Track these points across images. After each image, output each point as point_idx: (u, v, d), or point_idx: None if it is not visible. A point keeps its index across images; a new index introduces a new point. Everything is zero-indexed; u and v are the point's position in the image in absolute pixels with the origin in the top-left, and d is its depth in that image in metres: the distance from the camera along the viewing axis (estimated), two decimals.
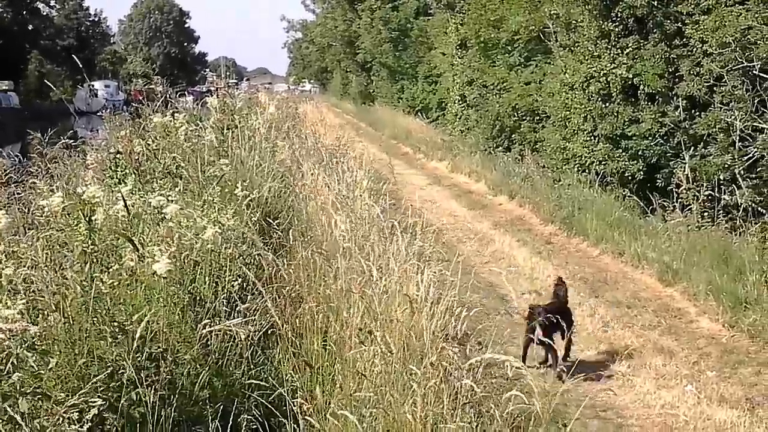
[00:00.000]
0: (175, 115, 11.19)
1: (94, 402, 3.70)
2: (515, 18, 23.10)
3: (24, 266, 5.29)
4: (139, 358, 4.66)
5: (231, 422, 4.61)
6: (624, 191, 16.64)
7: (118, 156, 9.02)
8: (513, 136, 24.22)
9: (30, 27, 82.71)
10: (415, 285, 5.91)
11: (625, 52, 17.77)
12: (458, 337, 5.56)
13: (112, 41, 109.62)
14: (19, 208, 7.49)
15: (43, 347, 3.98)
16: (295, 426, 4.72)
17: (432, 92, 38.78)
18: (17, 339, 3.33)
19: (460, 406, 4.54)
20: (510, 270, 12.06)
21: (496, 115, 24.55)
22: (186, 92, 32.43)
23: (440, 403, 4.59)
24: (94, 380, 4.25)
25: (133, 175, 7.95)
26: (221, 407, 4.86)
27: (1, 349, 2.88)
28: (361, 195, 9.99)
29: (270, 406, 4.86)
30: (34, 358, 3.57)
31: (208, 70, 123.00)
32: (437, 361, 4.90)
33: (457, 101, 29.92)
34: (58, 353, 4.50)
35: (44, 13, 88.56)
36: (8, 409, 3.11)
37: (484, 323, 7.21)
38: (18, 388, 3.26)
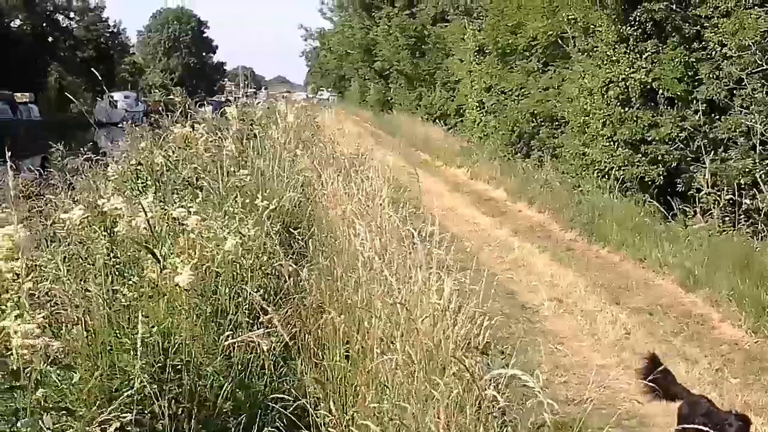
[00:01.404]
0: (195, 125, 11.23)
1: (120, 416, 3.70)
2: (533, 23, 23.08)
3: (46, 280, 5.31)
4: (161, 371, 4.67)
5: None
6: (644, 196, 16.55)
7: (139, 168, 9.06)
8: (532, 142, 24.17)
9: (49, 39, 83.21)
10: (437, 294, 5.89)
11: (643, 56, 17.68)
12: (480, 346, 5.53)
13: (131, 52, 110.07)
14: (40, 221, 7.53)
15: (66, 362, 3.99)
16: None
17: (450, 99, 38.75)
18: (40, 354, 3.34)
19: (484, 417, 4.51)
20: (530, 277, 12.03)
21: (514, 121, 24.51)
22: (205, 102, 32.57)
23: (463, 414, 4.57)
24: (117, 393, 4.27)
25: (154, 187, 7.98)
26: (244, 419, 4.85)
27: (24, 365, 2.88)
28: (381, 203, 10.00)
29: (293, 417, 4.85)
30: (57, 373, 3.59)
31: (226, 79, 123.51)
32: (459, 371, 4.87)
33: (475, 108, 29.88)
34: (80, 367, 4.51)
35: (64, 25, 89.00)
36: (33, 425, 3.13)
37: (505, 331, 7.20)
38: (42, 403, 3.27)
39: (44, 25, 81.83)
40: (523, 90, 24.48)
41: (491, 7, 27.62)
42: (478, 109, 29.42)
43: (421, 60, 45.60)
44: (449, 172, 26.10)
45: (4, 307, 4.55)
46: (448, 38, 38.33)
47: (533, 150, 24.01)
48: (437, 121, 39.05)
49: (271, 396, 5.13)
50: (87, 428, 3.62)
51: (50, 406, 3.44)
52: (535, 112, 23.18)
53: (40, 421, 3.13)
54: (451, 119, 37.80)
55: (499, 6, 26.30)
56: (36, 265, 5.43)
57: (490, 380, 4.63)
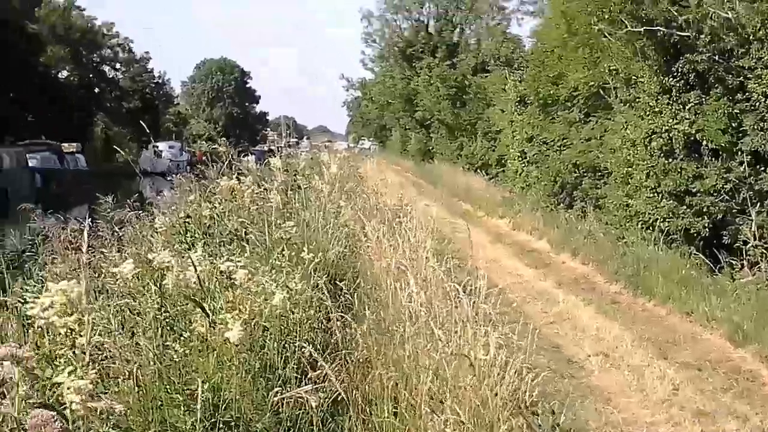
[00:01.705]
0: (241, 177, 11.34)
1: None
2: (574, 74, 23.13)
3: (97, 334, 5.37)
4: (212, 427, 4.69)
5: None
6: (690, 249, 16.40)
7: (187, 220, 9.15)
8: (574, 192, 24.10)
9: (96, 89, 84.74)
10: (483, 349, 5.87)
11: (687, 108, 17.61)
12: (528, 403, 5.49)
13: (175, 102, 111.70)
14: (89, 274, 7.61)
15: (121, 420, 4.02)
16: None
17: (491, 149, 38.81)
18: (102, 417, 3.37)
19: None
20: (575, 330, 11.94)
21: (556, 171, 24.48)
22: (248, 152, 32.96)
23: None
24: None
25: (203, 240, 8.05)
26: None
27: (87, 428, 2.91)
28: (425, 256, 10.00)
29: None
30: None
31: (269, 128, 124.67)
32: (507, 429, 4.85)
33: (517, 158, 29.89)
34: (132, 423, 4.54)
35: (110, 76, 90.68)
36: None
37: (552, 387, 7.14)
38: None
39: (91, 76, 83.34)
40: (565, 140, 24.47)
41: (532, 58, 27.75)
42: (520, 159, 29.43)
43: (461, 110, 45.78)
44: (491, 222, 26.05)
45: (57, 363, 4.63)
46: (489, 88, 38.51)
47: (576, 201, 23.92)
48: (478, 170, 39.11)
49: None
50: None
51: None
52: (578, 162, 23.14)
53: None
54: (492, 169, 37.82)
55: (540, 57, 26.41)
56: (89, 320, 5.49)
57: None
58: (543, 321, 12.37)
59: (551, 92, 25.12)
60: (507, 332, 6.42)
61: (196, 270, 6.17)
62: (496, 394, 5.33)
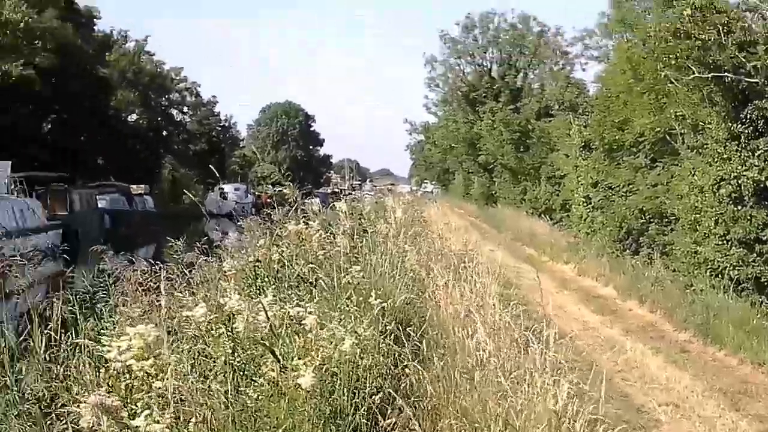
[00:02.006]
0: (308, 222, 11.44)
1: None
2: (640, 120, 23.00)
3: (171, 377, 5.44)
4: None
5: None
6: (761, 298, 16.10)
7: (257, 264, 9.24)
8: (641, 238, 23.85)
9: (164, 132, 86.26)
10: (553, 398, 5.82)
11: (756, 154, 17.39)
12: None
13: (241, 145, 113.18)
14: (159, 316, 7.70)
15: None
16: None
17: (555, 193, 38.66)
18: None
19: None
20: (644, 379, 11.76)
21: (622, 217, 24.28)
22: (312, 194, 33.15)
23: None
24: None
25: (273, 286, 8.12)
26: None
27: None
28: (492, 302, 9.97)
29: None
30: None
31: (332, 171, 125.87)
32: None
33: (581, 203, 29.70)
34: None
35: (178, 119, 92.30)
36: None
37: None
38: None
39: (159, 119, 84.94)
40: (630, 186, 24.29)
41: (597, 103, 27.67)
42: (585, 204, 29.24)
43: (525, 154, 45.73)
44: (556, 267, 25.85)
45: (134, 406, 4.70)
46: (553, 133, 38.44)
47: (642, 247, 23.67)
48: (542, 215, 38.92)
49: None
50: None
51: None
52: (644, 208, 22.94)
53: None
54: (556, 214, 37.62)
55: (605, 102, 26.33)
56: (164, 364, 5.57)
57: None
58: (611, 369, 12.21)
59: (617, 137, 25.00)
60: (576, 381, 6.37)
61: (267, 316, 6.23)
62: None
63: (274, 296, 7.59)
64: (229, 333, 6.14)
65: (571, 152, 31.46)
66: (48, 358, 6.66)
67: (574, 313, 17.73)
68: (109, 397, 3.46)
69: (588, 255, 25.12)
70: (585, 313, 17.92)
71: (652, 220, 22.90)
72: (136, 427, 4.34)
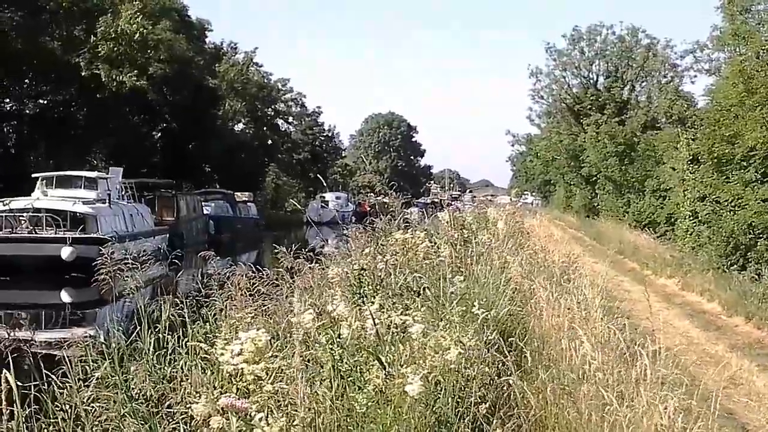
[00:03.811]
0: (414, 232, 11.55)
1: None
2: (751, 133, 22.52)
3: (281, 381, 5.58)
4: None
5: None
6: None
7: (362, 272, 9.37)
8: (748, 254, 23.31)
9: (269, 141, 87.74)
10: (661, 413, 5.79)
11: None
12: None
13: (343, 155, 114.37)
14: (265, 320, 7.88)
15: None
16: None
17: (660, 207, 38.00)
18: None
19: None
20: (750, 397, 11.52)
21: (730, 232, 23.78)
22: (412, 204, 33.25)
23: None
24: None
25: (380, 293, 8.23)
26: None
27: None
28: (596, 315, 9.93)
29: None
30: None
31: (432, 181, 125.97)
32: None
33: (687, 217, 29.16)
34: None
35: (282, 129, 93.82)
36: None
37: None
38: None
39: (265, 129, 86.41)
40: (739, 200, 23.76)
41: (706, 116, 27.15)
42: (691, 218, 28.70)
43: (629, 167, 45.09)
44: (659, 282, 25.40)
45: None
46: (660, 146, 37.83)
47: (750, 262, 23.13)
48: (646, 228, 38.31)
49: None
50: None
51: None
52: (753, 223, 22.43)
53: None
54: (660, 227, 36.98)
55: (715, 115, 25.82)
56: (274, 368, 5.73)
57: None
58: (715, 385, 11.99)
59: (726, 151, 24.51)
60: (683, 396, 6.32)
61: (374, 322, 6.35)
62: None
63: (380, 304, 7.71)
64: (336, 338, 6.27)
65: (678, 166, 30.93)
66: (156, 360, 6.88)
67: (678, 327, 17.41)
68: (238, 398, 3.60)
69: (693, 270, 24.65)
70: (689, 328, 17.59)
71: (761, 235, 22.37)
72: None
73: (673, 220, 33.82)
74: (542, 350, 8.72)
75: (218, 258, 10.68)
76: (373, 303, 7.09)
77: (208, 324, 7.99)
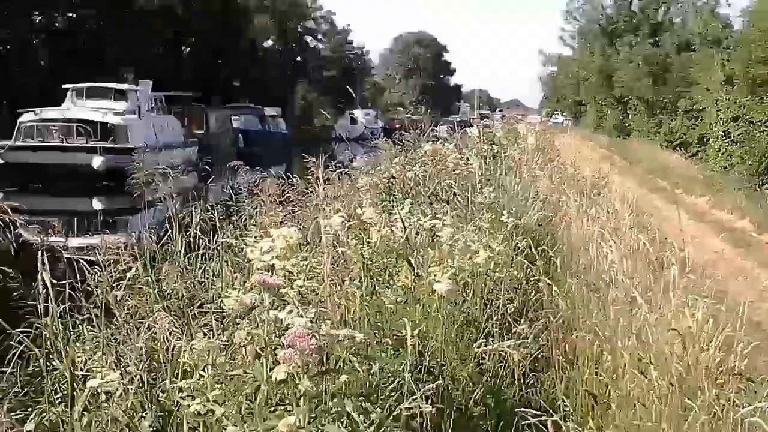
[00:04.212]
0: (445, 144, 11.54)
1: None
2: None
3: (311, 279, 5.63)
4: (417, 372, 4.85)
5: None
6: None
7: (392, 180, 9.38)
8: None
9: (298, 58, 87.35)
10: (689, 319, 5.79)
11: None
12: (735, 374, 5.39)
13: (372, 73, 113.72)
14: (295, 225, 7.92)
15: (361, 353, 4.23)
16: None
17: (692, 127, 37.58)
18: (344, 345, 3.56)
19: None
20: None
21: (763, 151, 23.57)
22: (441, 122, 33.16)
23: None
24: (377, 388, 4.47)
25: (409, 199, 8.25)
26: (494, 424, 4.96)
27: (332, 352, 3.12)
28: (625, 227, 9.92)
29: (542, 427, 4.89)
30: (358, 362, 3.86)
31: (462, 101, 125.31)
32: (714, 398, 4.79)
33: (720, 137, 28.86)
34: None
35: (312, 46, 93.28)
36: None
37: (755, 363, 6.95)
38: (344, 389, 3.52)
39: (294, 45, 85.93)
40: None
41: (742, 38, 26.69)
42: (723, 138, 28.40)
43: (662, 88, 44.50)
44: (689, 200, 25.26)
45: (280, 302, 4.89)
46: (693, 67, 37.23)
47: None
48: (677, 148, 37.97)
49: (520, 408, 5.18)
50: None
51: (352, 392, 3.72)
52: None
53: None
54: (692, 147, 36.63)
55: (751, 37, 25.37)
56: (306, 265, 5.76)
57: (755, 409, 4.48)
58: (743, 298, 11.98)
59: (761, 72, 24.13)
60: (712, 304, 6.32)
61: (404, 226, 6.37)
62: (700, 363, 5.26)
63: (410, 209, 7.72)
64: (366, 239, 6.31)
65: (712, 86, 30.52)
66: (188, 262, 6.95)
67: (707, 244, 17.35)
68: (270, 276, 3.62)
69: (724, 189, 24.53)
70: (718, 244, 17.51)
71: None
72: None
73: (705, 140, 33.49)
74: (571, 259, 8.75)
75: (247, 168, 10.71)
76: (403, 207, 7.11)
77: (237, 230, 8.03)
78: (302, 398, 2.33)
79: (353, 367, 3.76)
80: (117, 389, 4.10)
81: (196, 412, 3.52)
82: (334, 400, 3.21)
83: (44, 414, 4.31)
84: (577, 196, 11.87)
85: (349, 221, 6.97)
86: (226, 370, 3.66)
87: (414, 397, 4.13)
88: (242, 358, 3.68)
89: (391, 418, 4.11)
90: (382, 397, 4.47)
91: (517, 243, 8.00)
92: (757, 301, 12.07)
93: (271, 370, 3.05)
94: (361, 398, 3.68)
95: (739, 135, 26.52)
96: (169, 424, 4.18)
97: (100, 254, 6.32)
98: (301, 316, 4.75)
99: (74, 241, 7.77)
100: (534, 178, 13.63)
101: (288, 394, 2.34)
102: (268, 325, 2.97)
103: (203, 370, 3.77)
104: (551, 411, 4.84)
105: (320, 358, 2.45)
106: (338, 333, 2.84)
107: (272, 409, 3.22)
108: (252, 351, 2.90)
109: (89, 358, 4.69)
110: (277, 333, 2.86)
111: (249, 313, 3.09)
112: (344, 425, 3.25)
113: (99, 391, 4.09)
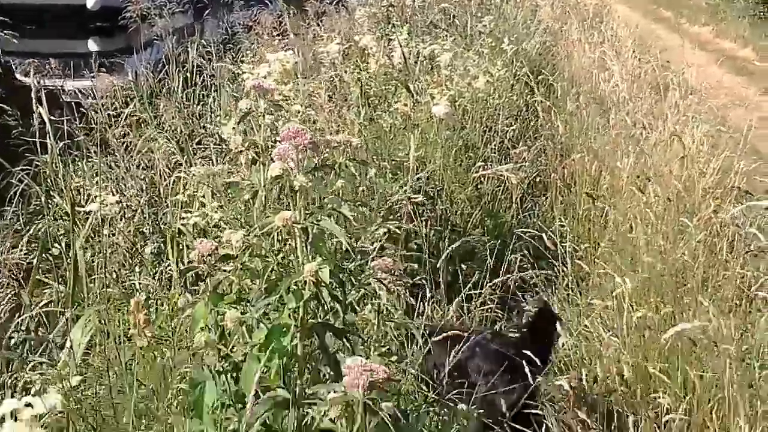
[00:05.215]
0: None
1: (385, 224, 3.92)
2: None
3: (307, 105, 5.57)
4: (417, 194, 4.87)
5: (502, 261, 4.70)
6: None
7: (390, 9, 9.21)
8: None
9: None
10: (688, 139, 5.77)
11: None
12: (733, 192, 5.39)
13: None
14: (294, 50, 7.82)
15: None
16: (564, 268, 4.80)
17: None
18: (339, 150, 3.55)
19: (741, 255, 4.37)
20: None
21: None
22: None
23: (715, 252, 4.50)
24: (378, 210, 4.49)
25: (407, 26, 8.11)
26: (491, 245, 5.00)
27: (329, 156, 3.10)
28: (627, 53, 9.80)
29: (540, 247, 4.95)
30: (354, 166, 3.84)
31: None
32: (712, 214, 4.80)
33: None
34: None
35: None
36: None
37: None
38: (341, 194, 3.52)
39: None
40: None
41: None
42: None
43: None
44: (693, 30, 24.82)
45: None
46: None
47: None
48: None
49: (518, 229, 5.22)
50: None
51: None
52: None
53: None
54: None
55: None
56: (300, 91, 5.71)
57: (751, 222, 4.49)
58: (744, 126, 11.95)
59: None
60: (713, 127, 6.32)
61: (402, 51, 6.27)
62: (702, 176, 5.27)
63: (408, 35, 7.60)
64: (364, 66, 6.23)
65: None
66: (185, 97, 6.90)
67: (709, 73, 17.13)
68: (266, 80, 3.58)
69: (728, 17, 24.07)
70: (719, 73, 17.32)
71: None
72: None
73: None
74: (572, 87, 8.67)
75: (243, 3, 10.55)
76: (401, 33, 7.00)
77: (235, 62, 7.94)
78: (298, 193, 2.33)
79: (350, 173, 3.75)
80: (117, 214, 4.11)
81: (195, 225, 3.55)
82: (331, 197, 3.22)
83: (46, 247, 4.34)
84: (579, 24, 11.68)
85: (347, 48, 6.91)
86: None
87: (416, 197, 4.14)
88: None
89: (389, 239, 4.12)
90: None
91: (517, 70, 7.91)
92: (758, 128, 12.01)
93: None
94: (358, 204, 3.70)
95: None
96: (170, 250, 4.21)
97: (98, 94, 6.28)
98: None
99: (71, 84, 7.71)
100: (535, 6, 13.38)
101: (284, 193, 2.33)
102: (264, 131, 2.96)
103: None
104: (549, 232, 4.88)
105: (316, 156, 2.43)
106: (334, 138, 2.82)
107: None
108: (247, 157, 2.88)
109: (89, 188, 4.69)
110: (273, 139, 2.83)
111: (245, 119, 3.06)
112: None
113: (99, 217, 4.10)
